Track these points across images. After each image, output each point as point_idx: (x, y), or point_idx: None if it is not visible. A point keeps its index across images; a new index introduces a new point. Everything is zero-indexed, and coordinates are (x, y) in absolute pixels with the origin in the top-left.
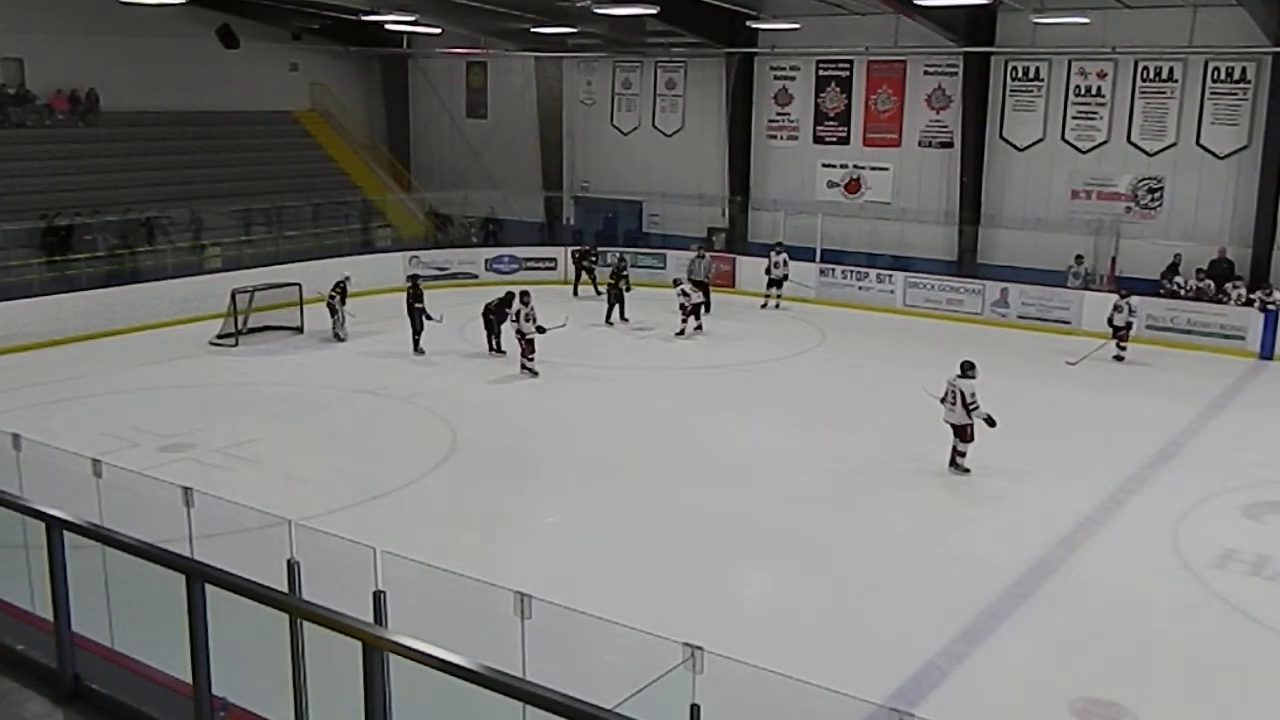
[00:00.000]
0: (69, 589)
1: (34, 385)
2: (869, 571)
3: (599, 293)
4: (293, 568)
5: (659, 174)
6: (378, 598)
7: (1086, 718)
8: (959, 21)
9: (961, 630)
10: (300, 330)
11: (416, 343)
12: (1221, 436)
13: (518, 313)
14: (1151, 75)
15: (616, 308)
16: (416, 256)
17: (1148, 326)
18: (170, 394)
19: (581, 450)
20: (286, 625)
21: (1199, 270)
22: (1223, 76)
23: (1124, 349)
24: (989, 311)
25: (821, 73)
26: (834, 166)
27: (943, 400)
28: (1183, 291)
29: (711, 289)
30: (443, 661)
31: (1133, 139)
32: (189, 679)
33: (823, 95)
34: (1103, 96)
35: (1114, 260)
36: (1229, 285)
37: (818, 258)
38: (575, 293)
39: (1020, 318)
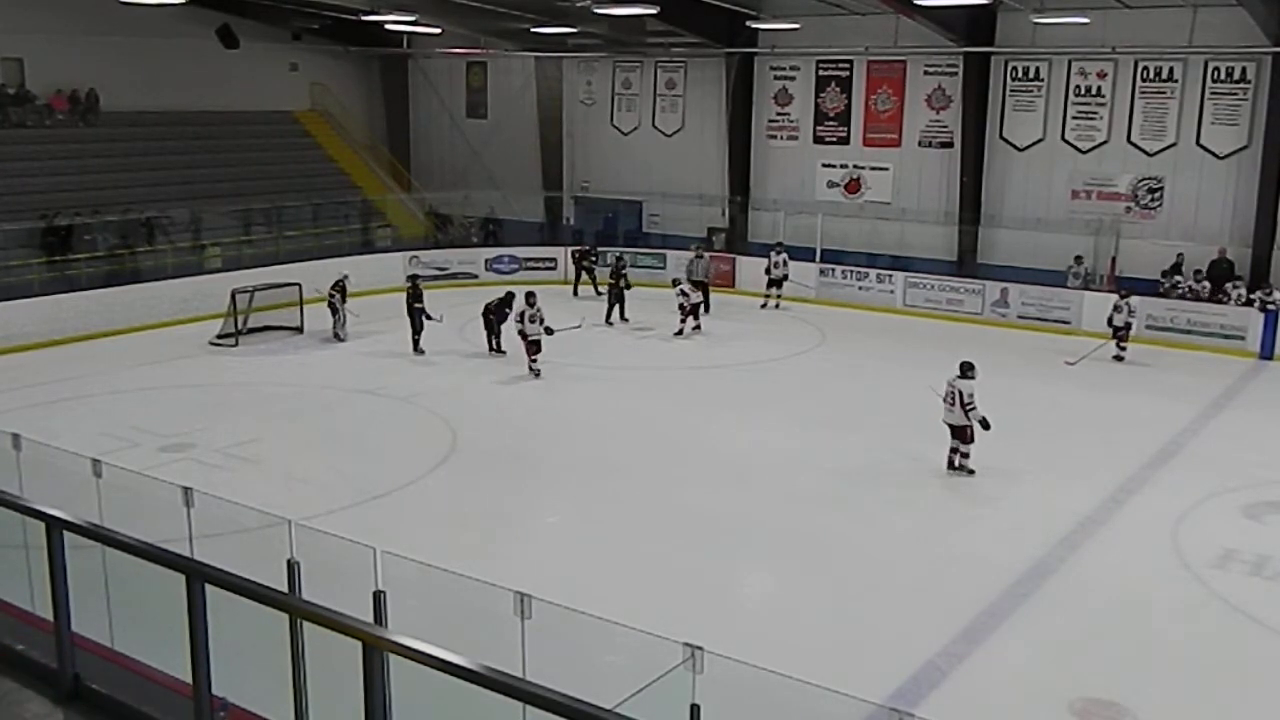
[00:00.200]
0: (69, 589)
1: (34, 385)
2: (869, 571)
3: (599, 293)
4: (293, 568)
5: (659, 174)
6: (378, 598)
7: (1086, 718)
8: (959, 21)
9: (961, 630)
10: (300, 330)
11: (416, 343)
12: (1221, 436)
13: (521, 314)
14: (1151, 75)
15: (617, 308)
16: (416, 256)
17: (1148, 326)
18: (170, 394)
19: (581, 450)
20: (286, 625)
21: (1196, 272)
22: (1223, 76)
23: (1124, 349)
24: (989, 311)
25: (821, 73)
26: (834, 166)
27: (944, 400)
28: (1179, 291)
29: (711, 289)
30: (443, 661)
31: (1133, 139)
32: (189, 679)
33: (823, 95)
34: (1103, 96)
35: (1114, 260)
36: (1229, 285)
37: (818, 258)
38: (575, 293)
39: (1020, 318)
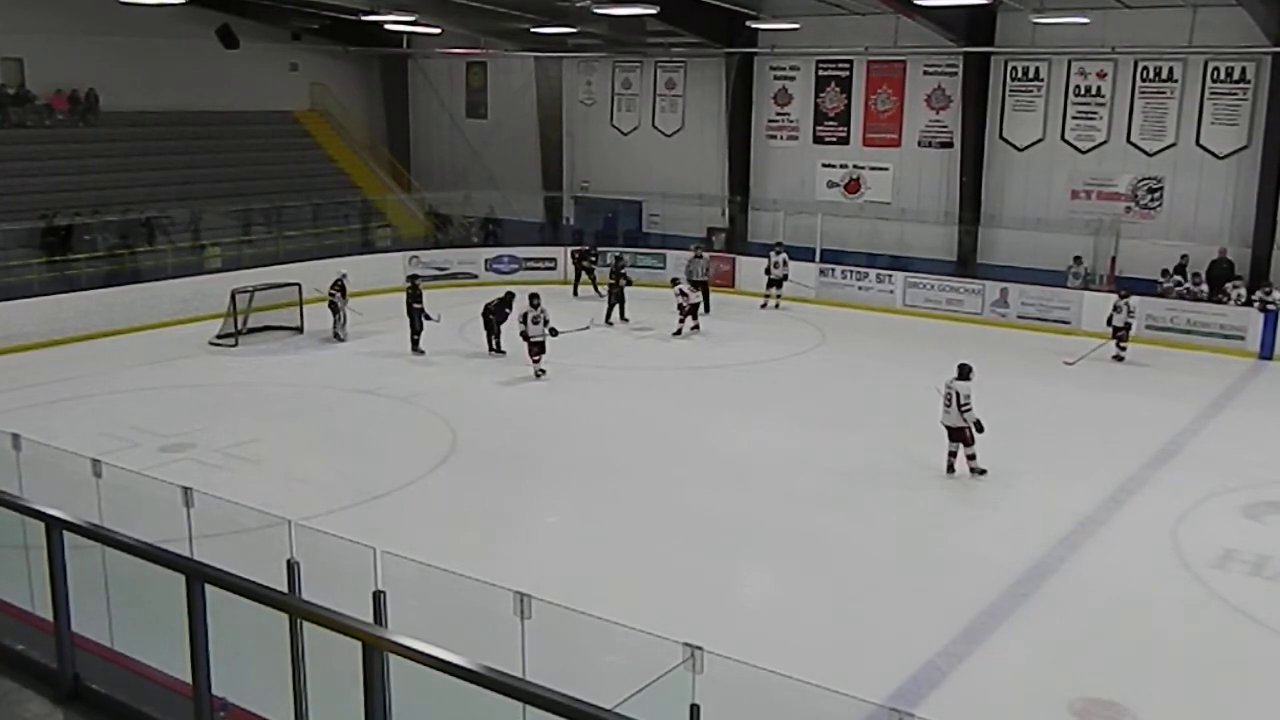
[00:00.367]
0: (69, 589)
1: (34, 385)
2: (869, 571)
3: (599, 293)
4: (292, 568)
5: (659, 174)
6: (378, 598)
7: (1086, 718)
8: (959, 21)
9: (961, 630)
10: (300, 330)
11: (416, 343)
12: (1221, 436)
13: (524, 315)
14: (1151, 75)
15: (617, 308)
16: (416, 256)
17: (1147, 326)
18: (170, 394)
19: (581, 450)
20: (286, 625)
21: (1194, 274)
22: (1222, 76)
23: (1124, 349)
24: (989, 311)
25: (821, 73)
26: (834, 166)
27: (943, 401)
28: (1177, 291)
29: (711, 289)
30: (443, 661)
31: (1133, 139)
32: (189, 679)
33: (822, 95)
34: (1102, 96)
35: (1114, 260)
36: (1229, 285)
37: (817, 258)
38: (575, 293)
39: (1020, 318)
